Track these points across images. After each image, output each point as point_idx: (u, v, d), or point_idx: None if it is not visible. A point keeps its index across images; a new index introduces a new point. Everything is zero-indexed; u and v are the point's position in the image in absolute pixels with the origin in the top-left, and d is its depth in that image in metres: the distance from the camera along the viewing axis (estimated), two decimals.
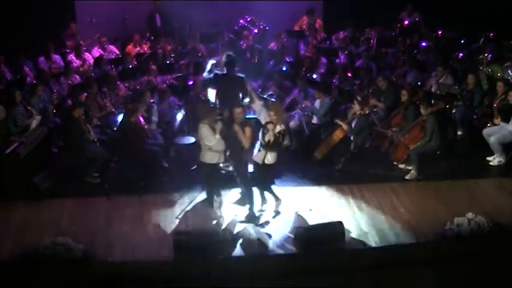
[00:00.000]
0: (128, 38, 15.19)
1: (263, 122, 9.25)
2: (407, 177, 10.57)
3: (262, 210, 9.52)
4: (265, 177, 9.35)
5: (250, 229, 8.98)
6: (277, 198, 9.56)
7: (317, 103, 11.79)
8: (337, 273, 8.54)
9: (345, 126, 10.71)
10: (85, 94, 11.66)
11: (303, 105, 11.84)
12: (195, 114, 10.69)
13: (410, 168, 10.69)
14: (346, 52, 14.55)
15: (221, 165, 9.84)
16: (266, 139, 9.08)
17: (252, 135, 9.18)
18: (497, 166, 11.02)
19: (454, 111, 11.97)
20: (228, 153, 9.49)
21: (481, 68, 12.99)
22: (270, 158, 9.16)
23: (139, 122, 10.51)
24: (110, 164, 10.80)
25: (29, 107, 11.08)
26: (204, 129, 9.08)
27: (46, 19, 14.35)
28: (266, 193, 9.55)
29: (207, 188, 9.43)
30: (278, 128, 9.08)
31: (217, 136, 9.06)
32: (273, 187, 9.69)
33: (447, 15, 15.11)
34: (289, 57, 14.50)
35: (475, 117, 11.63)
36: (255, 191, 9.43)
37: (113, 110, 11.78)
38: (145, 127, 10.73)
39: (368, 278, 8.64)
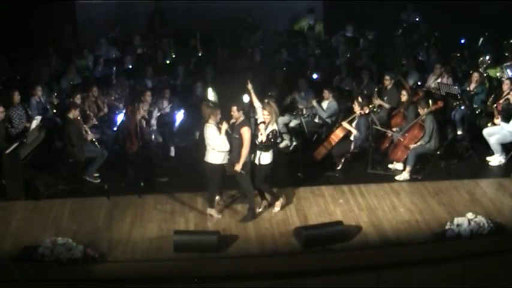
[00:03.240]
0: (128, 38, 15.18)
1: (258, 122, 9.30)
2: (397, 178, 10.54)
3: (262, 210, 9.52)
4: (261, 177, 9.35)
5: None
6: (276, 198, 9.56)
7: (324, 104, 11.79)
8: (337, 273, 8.56)
9: (354, 132, 10.71)
10: (84, 94, 11.63)
11: (307, 105, 11.84)
12: (196, 114, 10.70)
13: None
14: (345, 52, 14.55)
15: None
16: (259, 139, 9.11)
17: (251, 136, 9.18)
18: (497, 166, 11.02)
19: (454, 111, 11.97)
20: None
21: (480, 70, 12.96)
22: (265, 158, 9.18)
23: (141, 121, 10.53)
24: (110, 164, 10.79)
25: (28, 109, 11.08)
26: (210, 129, 9.09)
27: (47, 19, 14.36)
28: (270, 194, 9.56)
29: (209, 188, 9.43)
30: (270, 128, 9.11)
31: (222, 136, 9.07)
32: (273, 187, 9.69)
33: (447, 15, 15.12)
34: (289, 57, 14.49)
35: (482, 114, 11.59)
36: (255, 190, 9.44)
37: (106, 110, 11.76)
38: (148, 127, 10.75)
39: (368, 278, 8.66)
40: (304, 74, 13.27)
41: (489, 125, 11.20)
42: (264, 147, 9.12)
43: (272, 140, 9.14)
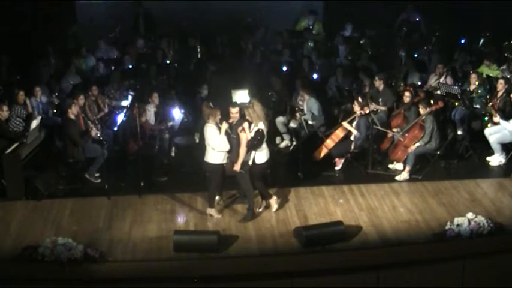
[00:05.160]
0: (128, 38, 15.17)
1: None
2: (397, 178, 10.55)
3: (262, 210, 9.53)
4: (256, 176, 9.35)
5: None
6: (269, 197, 9.52)
7: (304, 106, 11.77)
8: (337, 273, 8.57)
9: (354, 132, 10.72)
10: (84, 95, 11.62)
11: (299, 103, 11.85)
12: (196, 113, 10.72)
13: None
14: (346, 52, 14.55)
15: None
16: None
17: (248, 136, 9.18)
18: (497, 166, 11.02)
19: (454, 111, 11.98)
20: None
21: (480, 72, 12.96)
22: (258, 157, 9.19)
23: (146, 122, 10.56)
24: (110, 164, 10.79)
25: (33, 109, 11.11)
26: (210, 129, 9.09)
27: (47, 19, 14.36)
28: (264, 192, 9.56)
29: (209, 188, 9.43)
30: (255, 128, 9.12)
31: (222, 136, 9.07)
32: (273, 187, 9.68)
33: (447, 16, 15.13)
34: (289, 57, 14.49)
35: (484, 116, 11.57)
36: (255, 190, 9.44)
37: (107, 111, 11.77)
38: (155, 127, 10.78)
39: (368, 278, 8.66)
40: (303, 74, 13.26)
41: (489, 125, 11.21)
42: (253, 145, 9.13)
43: (258, 139, 9.14)
